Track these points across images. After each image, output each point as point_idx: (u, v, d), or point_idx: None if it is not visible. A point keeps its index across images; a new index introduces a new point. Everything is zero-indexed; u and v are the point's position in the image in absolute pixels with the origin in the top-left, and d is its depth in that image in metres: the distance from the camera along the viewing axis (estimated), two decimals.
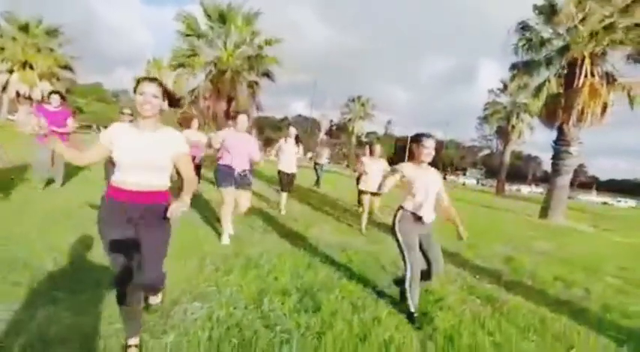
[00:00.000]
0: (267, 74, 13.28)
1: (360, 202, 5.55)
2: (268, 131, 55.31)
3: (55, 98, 4.88)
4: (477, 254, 4.85)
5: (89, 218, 3.31)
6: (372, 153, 5.36)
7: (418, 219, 2.51)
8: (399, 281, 2.75)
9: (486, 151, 67.10)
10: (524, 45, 10.46)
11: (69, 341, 1.72)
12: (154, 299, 2.03)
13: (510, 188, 41.06)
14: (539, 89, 10.38)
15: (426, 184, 2.52)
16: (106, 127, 1.78)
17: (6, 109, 19.99)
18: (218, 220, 4.23)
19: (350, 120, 37.53)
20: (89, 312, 2.00)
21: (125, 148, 1.63)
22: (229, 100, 12.66)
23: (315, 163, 10.24)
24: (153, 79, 1.69)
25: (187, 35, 11.84)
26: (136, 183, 1.63)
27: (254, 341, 1.91)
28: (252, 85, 13.49)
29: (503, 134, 23.85)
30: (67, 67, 19.63)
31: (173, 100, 1.81)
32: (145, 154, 1.64)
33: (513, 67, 11.40)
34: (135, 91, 1.65)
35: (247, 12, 12.25)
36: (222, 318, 2.11)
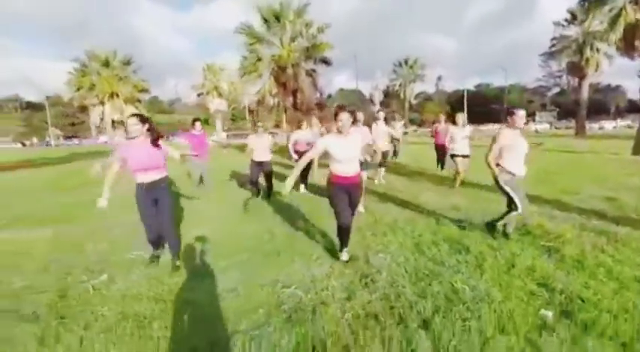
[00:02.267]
0: (323, 60, 13.95)
1: (454, 164, 6.38)
2: (313, 110, 56.22)
3: (198, 124, 6.20)
4: (575, 198, 5.24)
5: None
6: (454, 122, 6.08)
7: (513, 174, 3.37)
8: (500, 219, 3.62)
9: (556, 89, 60.72)
10: None
11: None
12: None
13: (591, 126, 37.15)
14: (614, 21, 9.59)
15: (519, 147, 3.38)
16: (173, 135, 2.94)
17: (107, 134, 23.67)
18: None
19: (400, 85, 36.58)
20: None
21: None
22: (294, 93, 13.64)
23: (391, 137, 10.66)
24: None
25: (251, 44, 12.92)
26: None
27: (438, 273, 2.81)
28: (310, 74, 14.31)
29: (576, 69, 21.68)
30: (144, 90, 22.41)
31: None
32: None
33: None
34: None
35: (297, 6, 12.91)
36: (403, 262, 3.05)
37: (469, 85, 76.21)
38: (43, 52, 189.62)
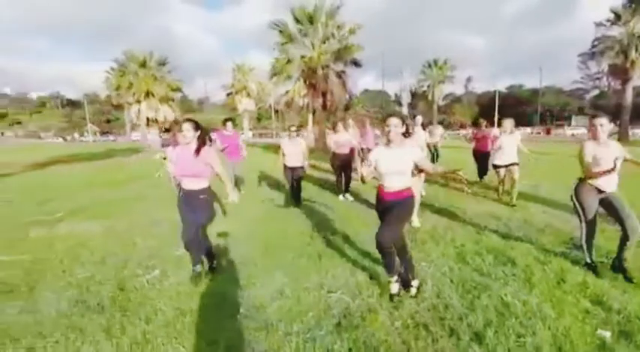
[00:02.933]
0: (354, 62, 13.95)
1: (498, 176, 5.89)
2: (339, 111, 56.26)
3: (230, 125, 6.39)
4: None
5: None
6: (503, 130, 5.68)
7: (597, 189, 3.00)
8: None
9: (595, 92, 57.39)
10: None
11: None
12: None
13: (634, 131, 34.91)
14: None
15: (605, 159, 2.89)
16: None
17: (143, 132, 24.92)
18: None
19: (429, 86, 35.89)
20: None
21: None
22: (324, 94, 13.73)
23: (428, 143, 10.15)
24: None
25: (283, 44, 13.15)
26: None
27: (483, 284, 2.78)
28: (340, 75, 14.35)
29: (619, 72, 20.46)
30: (177, 89, 23.31)
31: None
32: None
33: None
34: None
35: (329, 7, 12.98)
36: (448, 272, 3.04)
37: (500, 86, 73.44)
38: (82, 53, 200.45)
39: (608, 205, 3.01)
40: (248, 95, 29.57)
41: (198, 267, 3.12)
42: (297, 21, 13.00)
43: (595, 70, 32.25)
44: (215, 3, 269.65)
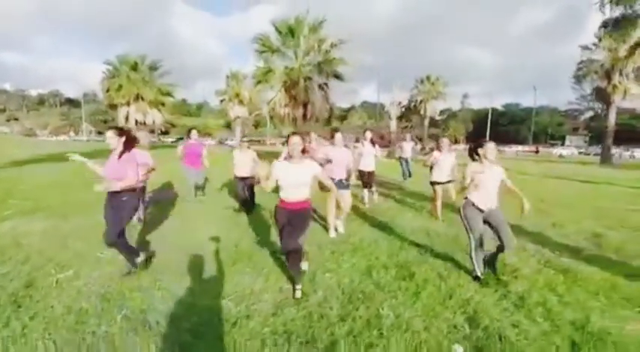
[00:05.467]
0: (336, 75, 14.22)
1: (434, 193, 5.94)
2: (335, 122, 56.70)
3: (194, 133, 6.53)
4: (560, 232, 5.10)
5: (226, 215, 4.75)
6: (439, 148, 5.83)
7: (479, 207, 3.27)
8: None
9: (589, 113, 58.15)
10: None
11: None
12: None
13: (623, 154, 35.42)
14: (635, 48, 9.28)
15: (487, 180, 3.23)
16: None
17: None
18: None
19: (421, 102, 36.37)
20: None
21: None
22: (305, 105, 13.96)
23: (400, 157, 9.99)
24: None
25: (262, 52, 13.45)
26: None
27: (372, 297, 2.88)
28: (322, 88, 14.61)
29: (603, 95, 20.88)
30: (168, 94, 23.55)
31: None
32: None
33: (604, 25, 10.31)
34: None
35: (312, 21, 13.31)
36: (348, 283, 3.14)
37: (500, 102, 74.51)
38: (86, 53, 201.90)
39: (490, 221, 3.31)
40: (240, 102, 29.83)
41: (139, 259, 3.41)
42: (280, 32, 13.32)
43: (589, 92, 32.82)
44: (222, 9, 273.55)
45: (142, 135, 23.61)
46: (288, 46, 13.69)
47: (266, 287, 3.05)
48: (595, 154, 34.10)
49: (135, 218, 4.89)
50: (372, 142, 6.71)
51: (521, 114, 65.87)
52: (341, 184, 4.63)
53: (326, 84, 14.70)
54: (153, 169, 5.13)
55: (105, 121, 70.11)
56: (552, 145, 53.15)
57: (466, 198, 3.33)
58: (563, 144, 55.22)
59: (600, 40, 19.09)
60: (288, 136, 2.98)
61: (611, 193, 9.11)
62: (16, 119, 75.10)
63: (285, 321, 2.49)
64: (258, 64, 13.96)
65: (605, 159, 22.07)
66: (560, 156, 35.25)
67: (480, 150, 3.30)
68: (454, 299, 2.90)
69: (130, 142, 3.37)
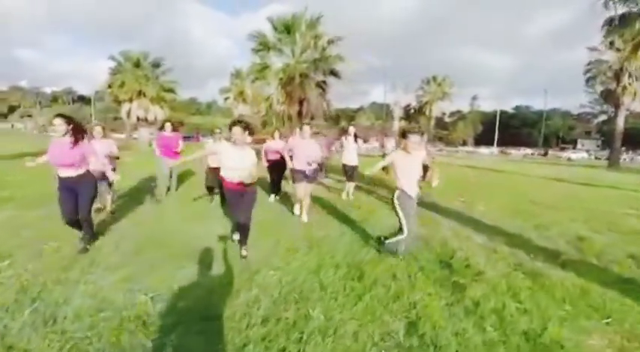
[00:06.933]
0: (333, 72, 13.99)
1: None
2: (344, 122, 56.39)
3: (168, 126, 6.40)
4: (542, 234, 4.79)
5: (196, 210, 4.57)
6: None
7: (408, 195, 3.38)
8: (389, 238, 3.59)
9: (602, 117, 56.64)
10: None
11: None
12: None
13: (635, 157, 34.41)
14: (638, 46, 8.85)
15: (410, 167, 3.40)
16: (204, 136, 3.21)
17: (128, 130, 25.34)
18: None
19: (427, 103, 35.86)
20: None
21: None
22: (301, 102, 13.76)
23: (383, 154, 10.37)
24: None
25: (259, 50, 13.30)
26: None
27: (310, 297, 2.65)
28: (320, 85, 14.39)
29: (611, 97, 20.17)
30: (170, 90, 23.63)
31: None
32: None
33: (609, 23, 9.88)
34: None
35: (309, 18, 13.10)
36: (289, 282, 2.91)
37: (510, 105, 73.13)
38: (99, 51, 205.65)
39: None
40: (244, 100, 29.83)
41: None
42: (276, 29, 13.15)
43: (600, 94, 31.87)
44: (233, 8, 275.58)
45: (144, 132, 23.78)
46: (285, 42, 13.51)
47: (195, 283, 2.84)
48: (607, 158, 33.11)
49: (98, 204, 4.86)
50: (356, 138, 6.71)
51: (532, 117, 64.65)
52: (299, 175, 4.59)
53: (324, 81, 14.48)
54: (117, 158, 5.13)
55: (115, 118, 71.19)
56: (563, 149, 51.97)
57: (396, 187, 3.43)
58: (575, 148, 53.99)
59: (611, 43, 18.43)
60: (230, 125, 3.27)
61: (610, 196, 8.68)
62: (29, 115, 76.65)
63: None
64: (254, 60, 13.82)
65: (613, 162, 21.34)
66: (569, 159, 34.31)
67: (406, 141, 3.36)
68: (400, 301, 2.65)
69: (79, 130, 3.46)
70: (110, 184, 5.04)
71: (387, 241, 3.55)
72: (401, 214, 3.38)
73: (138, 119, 22.86)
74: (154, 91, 22.53)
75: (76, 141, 3.38)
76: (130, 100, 22.60)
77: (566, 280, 3.19)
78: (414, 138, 3.33)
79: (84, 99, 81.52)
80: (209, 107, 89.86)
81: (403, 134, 3.40)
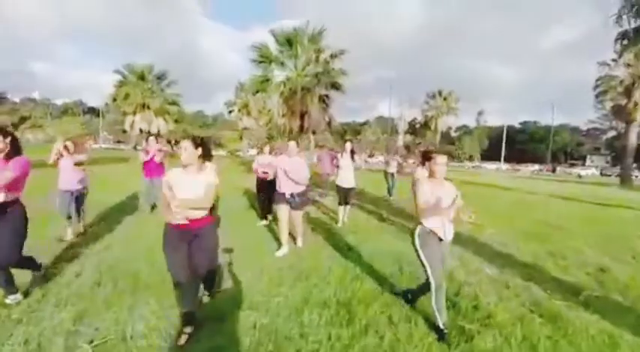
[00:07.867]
0: (336, 86, 13.78)
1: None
2: (350, 136, 56.17)
3: (152, 140, 6.17)
4: (558, 263, 4.32)
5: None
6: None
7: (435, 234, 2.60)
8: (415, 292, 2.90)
9: (611, 133, 55.71)
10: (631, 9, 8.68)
11: None
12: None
13: None
14: None
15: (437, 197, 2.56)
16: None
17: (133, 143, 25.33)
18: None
19: (432, 117, 35.58)
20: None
21: None
22: (302, 116, 13.51)
23: (385, 172, 9.76)
24: None
25: (260, 62, 13.18)
26: None
27: (284, 347, 2.23)
28: (322, 99, 14.17)
29: (622, 113, 19.65)
30: (174, 103, 23.69)
31: None
32: None
33: (621, 38, 9.52)
34: None
35: (312, 32, 12.99)
36: (265, 325, 2.49)
37: (519, 120, 72.65)
38: (109, 63, 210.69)
39: None
40: (248, 113, 29.86)
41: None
42: (278, 41, 13.05)
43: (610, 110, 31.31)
44: (244, 24, 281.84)
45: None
46: (287, 55, 13.38)
47: (153, 328, 2.43)
48: (617, 176, 32.22)
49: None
50: (352, 154, 6.09)
51: (540, 133, 63.97)
52: (280, 197, 4.11)
53: (327, 95, 14.26)
54: (81, 163, 4.67)
55: (124, 131, 72.03)
56: (572, 165, 51.06)
57: (420, 223, 2.63)
58: (584, 164, 53.06)
59: (620, 55, 18.08)
60: (179, 141, 2.46)
61: (627, 218, 8.12)
62: (40, 126, 77.94)
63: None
64: (257, 72, 13.68)
65: (625, 180, 20.63)
66: (579, 176, 33.47)
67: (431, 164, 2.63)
68: (369, 336, 2.22)
69: (17, 145, 2.77)
70: (81, 202, 4.71)
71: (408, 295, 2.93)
72: (423, 258, 2.56)
73: (141, 131, 22.84)
74: (158, 104, 22.59)
75: (8, 157, 2.68)
76: (134, 113, 22.65)
77: (590, 325, 2.72)
78: (440, 160, 2.60)
79: (94, 111, 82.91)
80: (215, 120, 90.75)
81: (426, 156, 2.70)
